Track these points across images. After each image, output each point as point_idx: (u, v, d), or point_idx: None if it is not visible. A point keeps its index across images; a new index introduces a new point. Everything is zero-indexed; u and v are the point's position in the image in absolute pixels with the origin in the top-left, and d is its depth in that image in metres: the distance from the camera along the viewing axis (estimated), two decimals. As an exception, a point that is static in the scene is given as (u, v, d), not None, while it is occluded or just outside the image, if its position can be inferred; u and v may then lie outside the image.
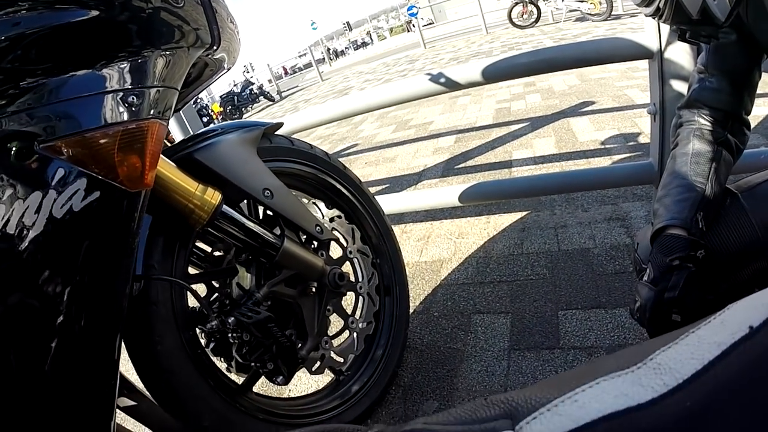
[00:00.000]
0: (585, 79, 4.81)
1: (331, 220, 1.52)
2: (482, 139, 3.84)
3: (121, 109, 0.79)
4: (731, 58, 1.01)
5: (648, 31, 1.76)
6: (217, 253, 1.35)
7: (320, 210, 1.53)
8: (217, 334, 1.15)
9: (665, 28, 1.70)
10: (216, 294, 1.29)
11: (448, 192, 2.35)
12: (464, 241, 2.34)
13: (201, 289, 1.23)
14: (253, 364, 1.17)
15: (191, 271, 1.24)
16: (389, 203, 2.49)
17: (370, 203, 1.62)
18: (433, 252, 2.34)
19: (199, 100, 12.91)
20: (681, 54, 1.72)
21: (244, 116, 14.72)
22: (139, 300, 1.01)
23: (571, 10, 10.28)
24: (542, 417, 0.26)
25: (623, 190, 2.38)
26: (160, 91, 0.86)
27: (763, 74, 1.05)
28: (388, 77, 10.21)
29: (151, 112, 0.83)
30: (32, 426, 0.69)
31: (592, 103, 4.00)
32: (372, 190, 3.13)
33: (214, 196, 1.08)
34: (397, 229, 2.64)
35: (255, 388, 1.28)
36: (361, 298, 1.55)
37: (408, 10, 17.91)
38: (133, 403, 1.12)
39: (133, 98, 0.80)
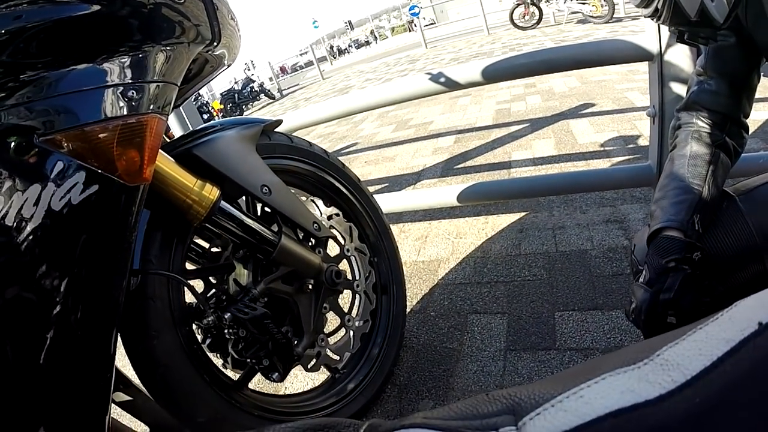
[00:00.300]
0: (585, 81, 4.81)
1: (329, 217, 1.51)
2: (482, 140, 3.85)
3: (121, 103, 0.79)
4: (730, 61, 1.01)
5: (648, 34, 1.76)
6: (214, 250, 1.35)
7: (318, 208, 1.53)
8: (213, 330, 1.15)
9: (665, 31, 1.70)
10: (213, 290, 1.29)
11: (446, 192, 2.36)
12: (462, 241, 2.34)
13: (198, 285, 1.23)
14: (248, 360, 1.17)
15: (188, 266, 1.24)
16: (388, 202, 2.49)
17: (369, 202, 1.62)
18: (431, 251, 2.34)
19: (199, 97, 12.90)
20: (681, 57, 1.72)
21: (245, 114, 14.73)
22: (136, 294, 1.01)
23: (572, 12, 10.28)
24: (546, 413, 0.25)
25: (622, 192, 2.38)
26: (159, 87, 0.86)
27: (763, 78, 1.05)
28: (389, 77, 10.21)
29: (151, 107, 0.83)
30: (26, 419, 0.69)
31: (592, 105, 4.01)
32: (371, 188, 3.13)
33: (212, 192, 1.08)
34: (395, 228, 2.65)
35: (251, 385, 1.28)
36: (357, 296, 1.55)
37: (410, 9, 17.94)
38: (129, 398, 1.13)
39: (132, 93, 0.80)
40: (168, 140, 1.18)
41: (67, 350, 0.73)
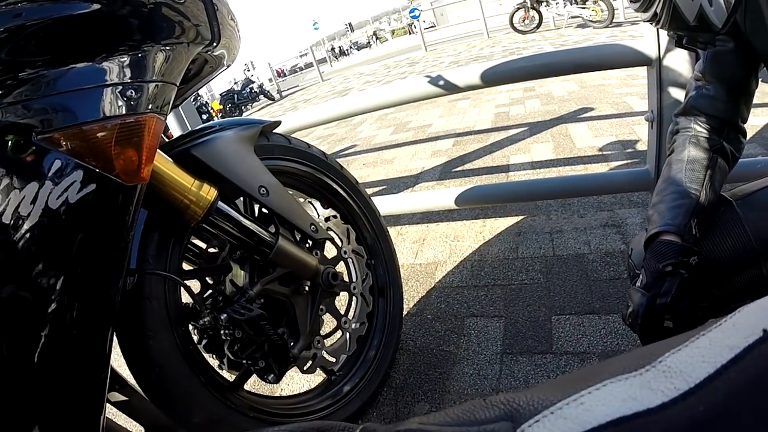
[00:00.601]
0: (584, 86, 4.82)
1: (327, 219, 1.51)
2: (480, 143, 3.85)
3: (120, 102, 0.79)
4: (728, 66, 1.01)
5: (647, 39, 1.76)
6: (211, 250, 1.35)
7: (316, 209, 1.53)
8: (209, 331, 1.15)
9: (664, 36, 1.70)
10: (209, 290, 1.29)
11: (444, 194, 2.36)
12: (460, 244, 2.34)
13: (195, 285, 1.23)
14: (244, 361, 1.17)
15: (185, 267, 1.24)
16: (386, 204, 2.49)
17: (366, 204, 1.62)
18: (429, 254, 2.34)
19: (198, 97, 12.89)
20: (679, 61, 1.73)
21: (244, 114, 14.73)
22: (132, 294, 1.01)
23: (572, 17, 10.30)
24: (545, 420, 0.25)
25: (620, 197, 2.38)
26: (158, 86, 0.86)
27: (761, 83, 1.05)
28: (388, 79, 10.21)
29: (150, 106, 0.83)
30: (21, 418, 0.69)
31: (591, 109, 4.01)
32: (369, 190, 3.13)
33: (209, 193, 1.08)
34: (392, 231, 2.64)
35: (246, 386, 1.28)
36: (354, 298, 1.55)
37: (410, 12, 17.95)
38: (124, 398, 1.12)
39: (131, 92, 0.80)
40: (167, 140, 1.18)
41: (62, 349, 0.73)
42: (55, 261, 0.71)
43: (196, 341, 1.16)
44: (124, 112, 0.79)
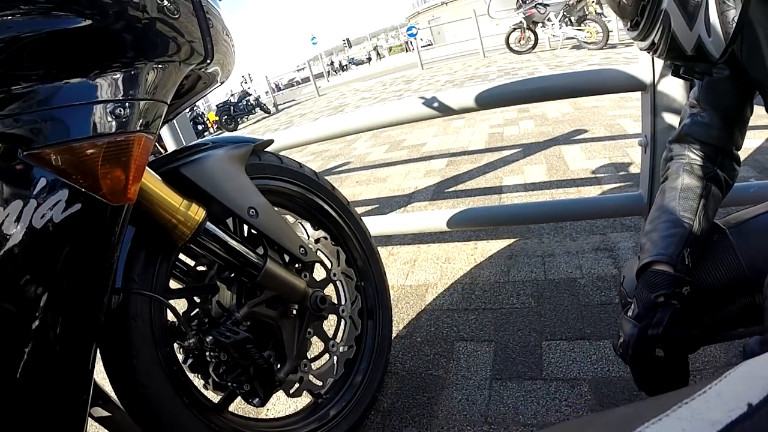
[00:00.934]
0: (578, 107, 4.85)
1: (317, 241, 1.50)
2: (474, 164, 3.86)
3: (109, 120, 0.78)
4: (723, 94, 1.02)
5: (642, 64, 1.77)
6: (200, 268, 1.33)
7: (306, 230, 1.52)
8: (195, 351, 1.13)
9: (659, 61, 1.71)
10: (196, 310, 1.27)
11: (436, 216, 2.35)
12: (451, 266, 2.33)
13: (182, 303, 1.21)
14: (229, 384, 1.15)
15: (173, 284, 1.22)
16: (377, 225, 2.48)
17: (357, 225, 1.61)
18: (419, 276, 2.32)
19: (195, 108, 12.91)
20: (674, 87, 1.73)
21: (240, 126, 14.77)
22: (117, 313, 0.99)
23: (568, 38, 10.42)
24: None
25: (612, 220, 2.38)
26: (149, 105, 0.85)
27: (754, 107, 1.05)
28: (384, 96, 10.27)
29: (139, 125, 0.82)
30: (0, 432, 0.68)
31: (585, 131, 4.04)
32: (361, 210, 3.13)
33: (198, 213, 1.06)
34: (383, 251, 2.63)
35: (232, 407, 1.26)
36: (343, 321, 1.53)
37: (407, 30, 18.10)
38: (107, 413, 1.10)
39: (121, 110, 0.79)
40: (162, 151, 1.17)
41: (45, 364, 0.72)
42: (39, 280, 0.70)
43: (181, 361, 1.14)
44: (113, 130, 0.78)
